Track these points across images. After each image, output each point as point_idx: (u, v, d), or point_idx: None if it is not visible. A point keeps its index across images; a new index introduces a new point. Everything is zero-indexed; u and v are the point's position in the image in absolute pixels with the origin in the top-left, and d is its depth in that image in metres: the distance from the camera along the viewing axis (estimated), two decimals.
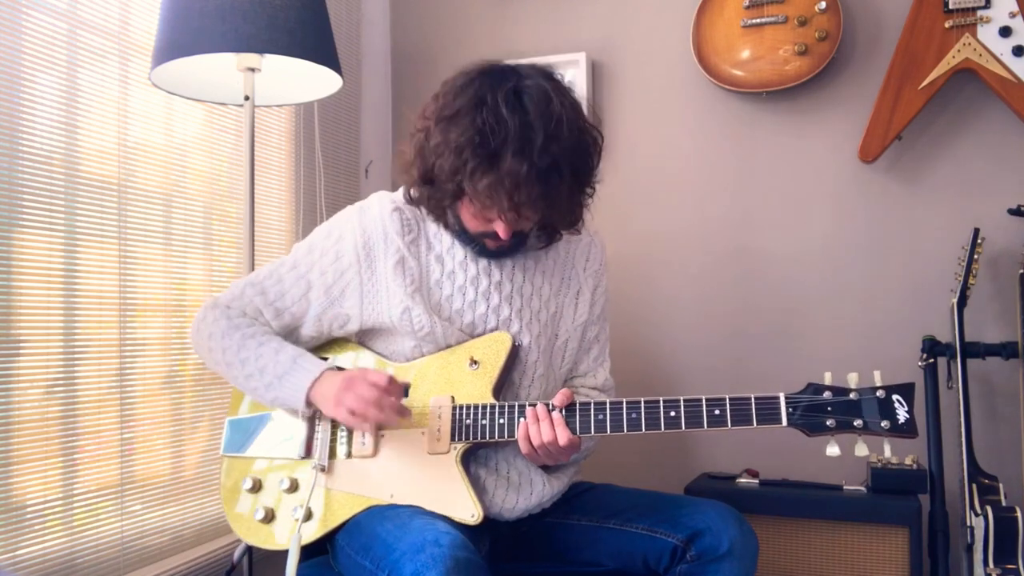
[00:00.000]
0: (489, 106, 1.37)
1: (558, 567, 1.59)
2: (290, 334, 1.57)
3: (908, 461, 2.07)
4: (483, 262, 1.54)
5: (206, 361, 1.59)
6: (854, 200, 2.39)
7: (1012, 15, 2.13)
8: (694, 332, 2.51)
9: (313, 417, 1.55)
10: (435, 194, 1.45)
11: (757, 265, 2.47)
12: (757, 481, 2.17)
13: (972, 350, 2.05)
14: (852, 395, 1.39)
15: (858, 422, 1.38)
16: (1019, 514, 1.85)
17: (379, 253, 1.51)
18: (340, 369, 1.53)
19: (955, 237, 2.25)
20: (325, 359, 1.56)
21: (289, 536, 1.48)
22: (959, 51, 2.17)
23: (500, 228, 1.43)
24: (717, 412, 1.40)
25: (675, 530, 1.47)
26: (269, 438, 1.59)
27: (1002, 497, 1.92)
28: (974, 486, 1.94)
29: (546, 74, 1.43)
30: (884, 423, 1.37)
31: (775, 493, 2.10)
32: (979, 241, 2.07)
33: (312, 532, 1.50)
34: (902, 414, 1.37)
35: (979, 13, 2.16)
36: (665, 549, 1.47)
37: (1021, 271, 2.05)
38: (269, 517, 1.54)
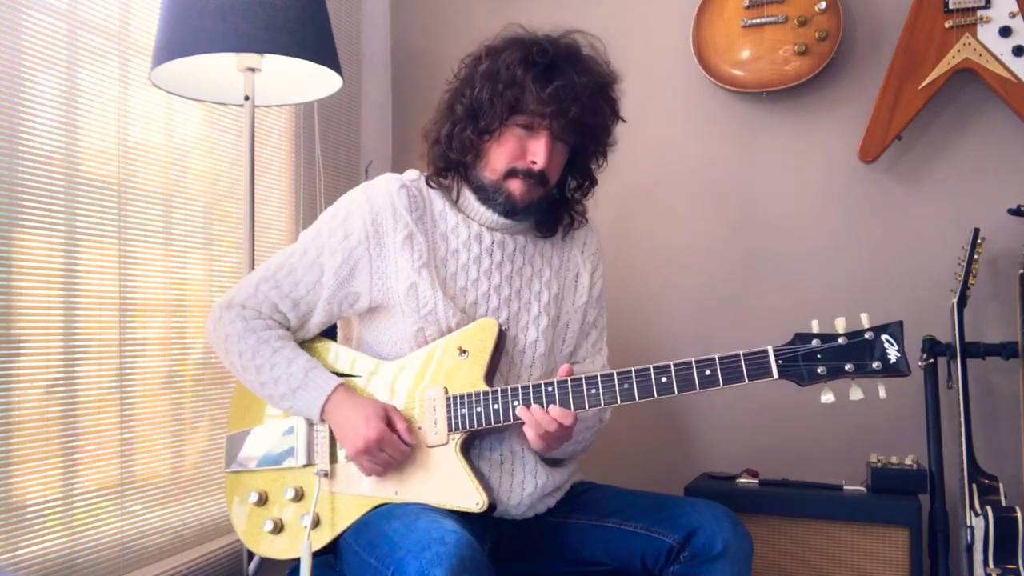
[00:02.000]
0: (529, 39, 1.52)
1: (558, 567, 1.59)
2: (304, 324, 1.58)
3: (908, 461, 2.07)
4: (486, 242, 1.56)
5: (222, 361, 1.59)
6: (854, 200, 2.39)
7: (1012, 15, 2.13)
8: (694, 331, 2.51)
9: (312, 423, 1.55)
10: (479, 126, 1.50)
11: (756, 265, 2.47)
12: (757, 481, 2.16)
13: (972, 350, 2.05)
14: (840, 340, 1.37)
15: (849, 366, 1.36)
16: (1019, 514, 1.85)
17: (388, 229, 1.52)
18: (353, 375, 1.55)
19: (955, 237, 2.25)
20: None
21: (300, 545, 1.48)
22: (959, 51, 2.17)
23: (540, 150, 1.48)
24: (708, 372, 1.38)
25: (672, 530, 1.47)
26: (270, 449, 1.59)
27: (1002, 497, 1.92)
28: (974, 486, 1.94)
29: None
30: (875, 364, 1.35)
31: (775, 493, 2.10)
32: (979, 241, 2.07)
33: (322, 538, 1.50)
34: (893, 353, 1.35)
35: (979, 13, 2.16)
36: (662, 549, 1.47)
37: (1021, 271, 2.05)
38: (279, 528, 1.54)
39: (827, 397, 1.38)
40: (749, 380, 1.38)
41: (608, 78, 1.53)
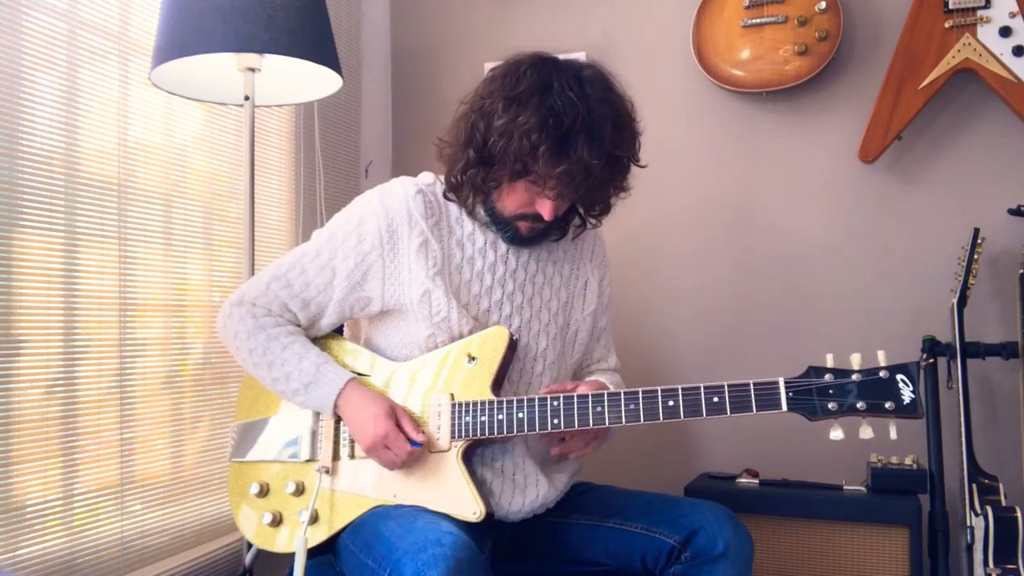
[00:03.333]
0: (556, 90, 1.41)
1: (559, 567, 1.59)
2: (314, 324, 1.58)
3: (908, 461, 2.07)
4: (501, 250, 1.56)
5: (234, 357, 1.60)
6: (854, 200, 2.39)
7: (1012, 15, 2.13)
8: (694, 332, 2.51)
9: (317, 419, 1.56)
10: (490, 175, 1.47)
11: (757, 265, 2.47)
12: (757, 481, 2.16)
13: (972, 350, 2.05)
14: (854, 376, 1.35)
15: (861, 404, 1.34)
16: (1019, 514, 1.85)
17: (403, 235, 1.51)
18: (361, 374, 1.56)
19: (955, 237, 2.25)
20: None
21: (296, 540, 1.48)
22: (959, 51, 2.17)
23: (546, 209, 1.46)
24: (716, 400, 1.37)
25: (672, 530, 1.47)
26: (275, 442, 1.59)
27: (1002, 497, 1.92)
28: (974, 486, 1.94)
29: (596, 63, 1.50)
30: (888, 404, 1.33)
31: (775, 493, 2.10)
32: (979, 241, 2.07)
33: (319, 535, 1.50)
34: (907, 394, 1.33)
35: (979, 13, 2.16)
36: (663, 549, 1.47)
37: (1021, 271, 2.05)
38: (277, 521, 1.54)
39: (836, 434, 1.36)
40: (757, 411, 1.36)
41: (624, 144, 1.47)
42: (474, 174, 1.48)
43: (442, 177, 1.57)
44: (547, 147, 1.39)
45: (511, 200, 1.49)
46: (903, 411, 1.33)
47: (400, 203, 1.52)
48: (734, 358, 2.46)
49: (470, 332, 1.51)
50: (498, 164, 1.45)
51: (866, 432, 1.34)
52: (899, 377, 1.34)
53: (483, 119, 1.46)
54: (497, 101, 1.44)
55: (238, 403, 1.67)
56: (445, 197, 1.56)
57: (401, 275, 1.51)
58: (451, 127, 1.53)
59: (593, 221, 1.63)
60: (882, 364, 1.35)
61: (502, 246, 1.57)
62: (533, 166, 1.41)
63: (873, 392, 1.34)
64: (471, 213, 1.56)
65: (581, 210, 1.60)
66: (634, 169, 1.56)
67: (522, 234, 1.53)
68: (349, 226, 1.53)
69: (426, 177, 1.59)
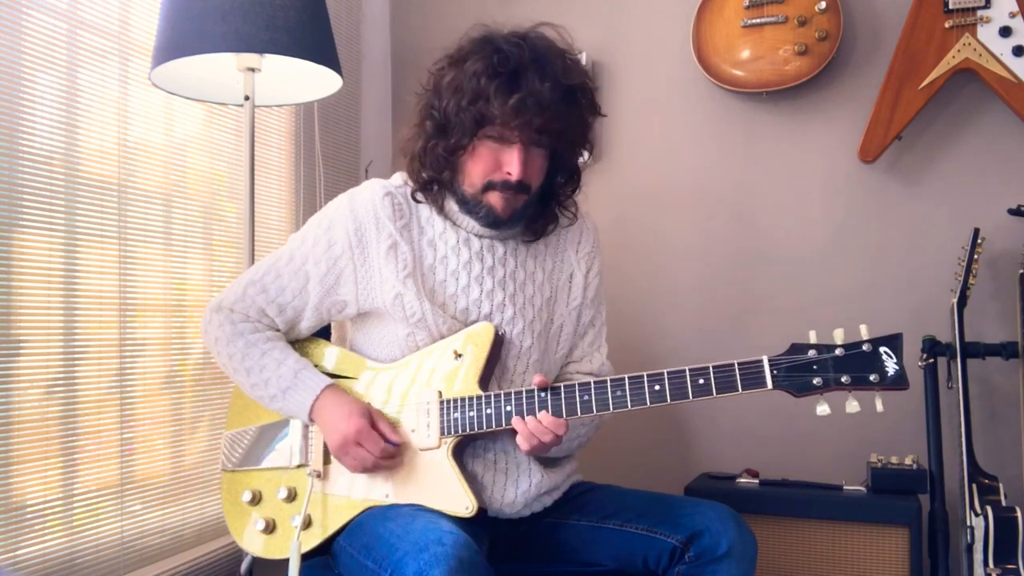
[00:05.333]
0: (499, 41, 1.43)
1: (558, 567, 1.59)
2: (293, 328, 1.58)
3: (908, 461, 2.07)
4: (475, 247, 1.54)
5: (217, 362, 1.60)
6: (854, 200, 2.39)
7: (1012, 15, 2.13)
8: (693, 332, 2.51)
9: (307, 425, 1.56)
10: (450, 142, 1.44)
11: (757, 265, 2.47)
12: (757, 481, 2.17)
13: (972, 350, 2.05)
14: (838, 351, 1.34)
15: (846, 378, 1.33)
16: (1019, 514, 1.85)
17: (371, 239, 1.50)
18: (346, 377, 1.55)
19: (955, 237, 2.25)
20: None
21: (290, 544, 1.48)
22: (959, 51, 2.17)
23: (514, 162, 1.43)
24: (701, 381, 1.37)
25: (674, 531, 1.46)
26: (265, 449, 1.59)
27: (1002, 497, 1.92)
28: (974, 486, 1.94)
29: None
30: (873, 376, 1.32)
31: (775, 493, 2.10)
32: (979, 241, 2.07)
33: (313, 539, 1.50)
34: (891, 366, 1.32)
35: (979, 13, 2.16)
36: (664, 550, 1.47)
37: (1021, 271, 2.05)
38: (270, 528, 1.54)
39: (822, 409, 1.35)
40: (743, 390, 1.36)
41: (575, 76, 1.45)
42: (434, 146, 1.46)
43: (411, 188, 1.55)
44: (497, 84, 1.38)
45: (476, 168, 1.46)
46: (888, 383, 1.32)
47: (367, 207, 1.50)
48: (733, 356, 2.45)
49: (449, 331, 1.50)
50: (455, 124, 1.43)
51: (852, 406, 1.33)
52: (882, 350, 1.33)
53: (434, 92, 1.47)
54: (443, 69, 1.46)
55: (229, 412, 1.67)
56: (414, 198, 1.54)
57: (372, 279, 1.51)
58: (411, 127, 1.53)
59: (569, 214, 1.59)
60: (865, 337, 1.34)
61: (475, 243, 1.53)
62: (487, 109, 1.39)
63: (857, 366, 1.33)
64: (441, 210, 1.53)
65: (559, 199, 1.56)
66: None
67: (498, 212, 1.47)
68: (320, 230, 1.53)
69: (397, 178, 1.57)
